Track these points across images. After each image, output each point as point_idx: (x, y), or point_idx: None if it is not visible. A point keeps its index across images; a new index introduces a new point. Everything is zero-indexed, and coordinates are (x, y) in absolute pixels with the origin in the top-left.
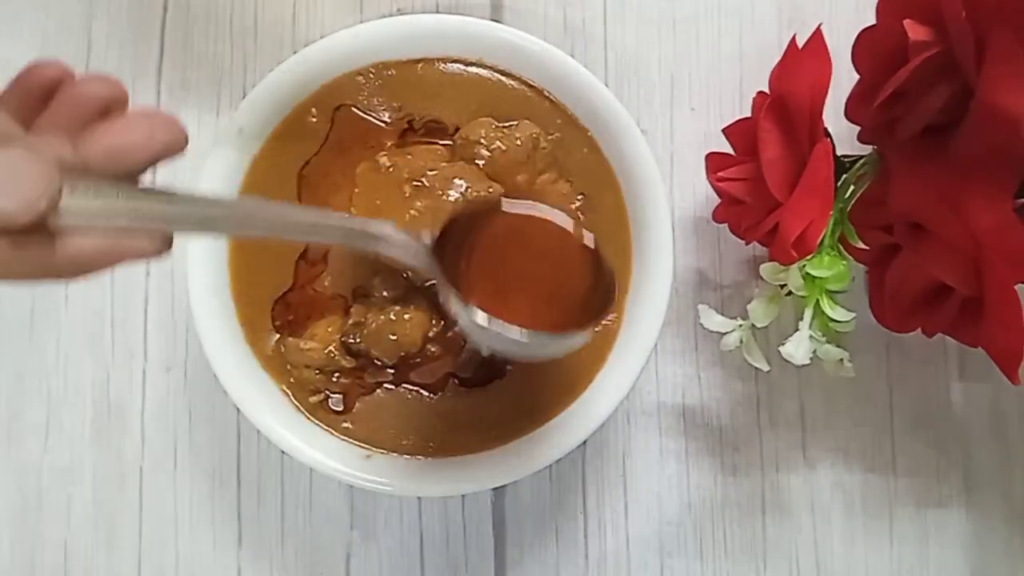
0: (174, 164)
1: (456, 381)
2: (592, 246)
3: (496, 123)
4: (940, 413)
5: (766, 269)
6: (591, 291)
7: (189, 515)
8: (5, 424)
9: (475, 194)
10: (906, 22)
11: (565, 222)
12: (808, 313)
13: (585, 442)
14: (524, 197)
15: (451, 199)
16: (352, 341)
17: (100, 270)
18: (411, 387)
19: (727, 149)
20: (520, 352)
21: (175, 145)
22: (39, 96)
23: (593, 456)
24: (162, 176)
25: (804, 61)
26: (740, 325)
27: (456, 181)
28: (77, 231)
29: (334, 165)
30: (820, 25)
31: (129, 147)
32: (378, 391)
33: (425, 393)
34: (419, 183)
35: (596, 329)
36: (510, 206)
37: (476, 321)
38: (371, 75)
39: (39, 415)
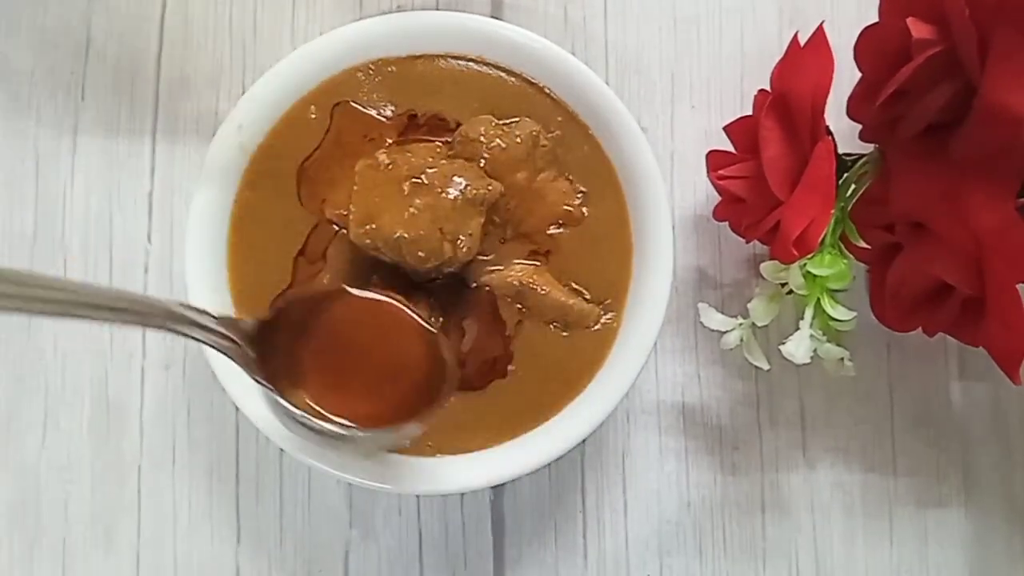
0: (175, 157)
1: None
2: (432, 331)
3: (496, 120)
4: (940, 412)
5: (767, 267)
6: (427, 380)
7: (188, 513)
8: (4, 422)
9: (474, 192)
10: (909, 20)
11: (404, 306)
12: (809, 312)
13: (584, 441)
14: (524, 196)
15: (450, 196)
16: None
17: None
18: None
19: (728, 147)
20: (339, 446)
21: None
22: None
23: (592, 455)
24: (163, 177)
25: (806, 59)
26: (740, 324)
27: (455, 179)
28: None
29: (334, 161)
30: (823, 23)
31: None
32: None
33: None
34: (418, 180)
35: (421, 423)
36: (352, 291)
37: (288, 414)
38: (371, 71)
39: (37, 413)
